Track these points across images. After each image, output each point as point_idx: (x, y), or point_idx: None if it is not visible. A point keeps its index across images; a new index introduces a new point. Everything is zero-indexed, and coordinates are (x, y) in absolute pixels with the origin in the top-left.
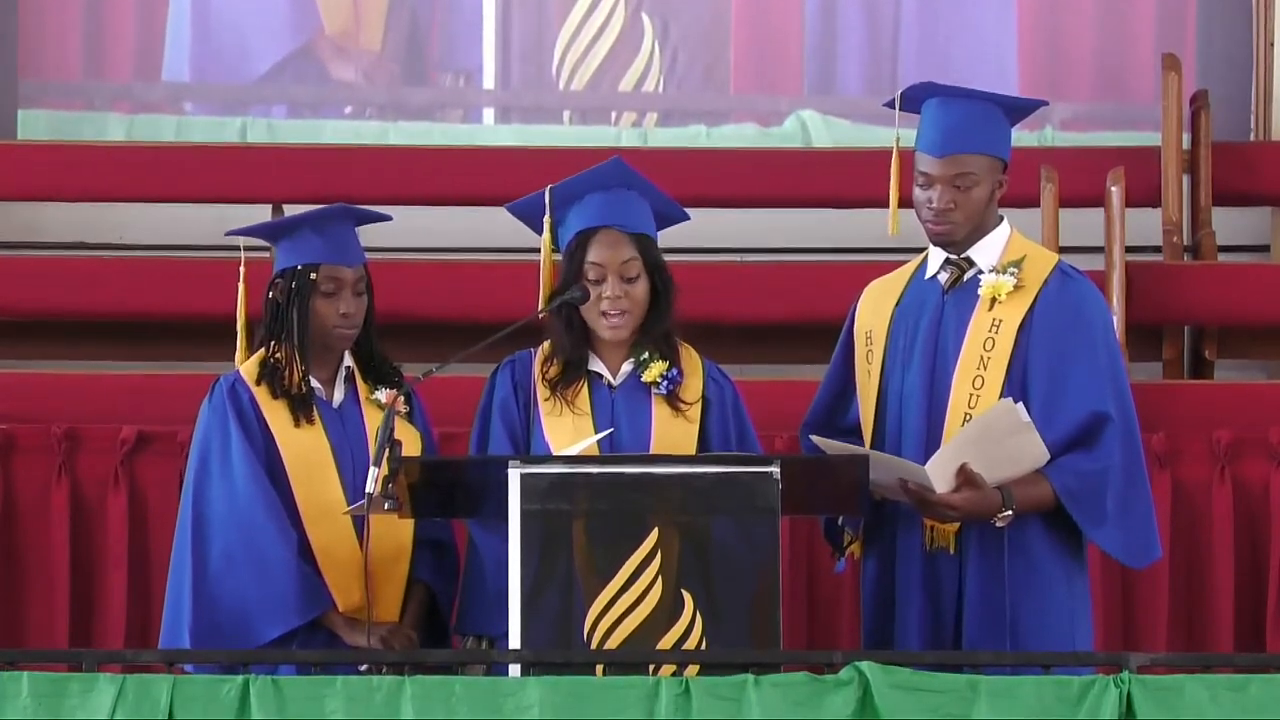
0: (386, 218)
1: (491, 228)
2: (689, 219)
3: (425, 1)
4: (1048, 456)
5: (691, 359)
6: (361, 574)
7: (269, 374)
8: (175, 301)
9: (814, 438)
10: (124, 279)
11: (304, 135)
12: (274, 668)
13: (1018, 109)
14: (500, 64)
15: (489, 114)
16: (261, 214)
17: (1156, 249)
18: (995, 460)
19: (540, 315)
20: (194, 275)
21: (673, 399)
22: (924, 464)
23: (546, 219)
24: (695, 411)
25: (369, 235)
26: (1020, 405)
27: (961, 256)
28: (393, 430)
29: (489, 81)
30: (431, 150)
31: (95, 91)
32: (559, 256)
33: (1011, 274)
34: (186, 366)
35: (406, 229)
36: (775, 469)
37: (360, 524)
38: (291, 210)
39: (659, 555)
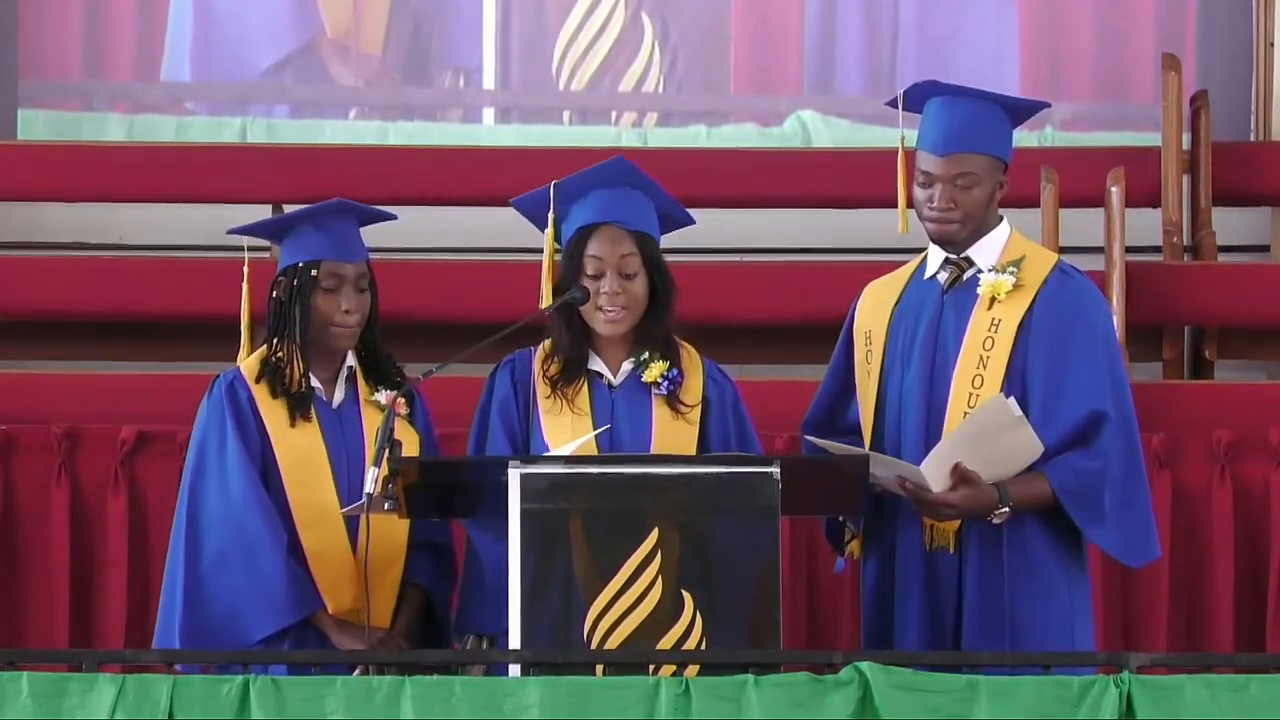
0: (391, 216)
1: (491, 228)
2: (694, 223)
3: (426, 2)
4: (1041, 450)
5: (692, 359)
6: (353, 576)
7: (269, 372)
8: (175, 301)
9: (813, 439)
10: (124, 279)
11: (304, 135)
12: (268, 668)
13: (1020, 110)
14: (500, 64)
15: (489, 114)
16: (261, 214)
17: (1156, 249)
18: (991, 457)
19: (542, 312)
20: (194, 275)
21: (673, 401)
22: (920, 464)
23: (550, 214)
24: (695, 414)
25: (368, 235)
26: (1012, 400)
27: (961, 256)
28: (393, 430)
29: (489, 81)
30: (431, 150)
31: (95, 91)
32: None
33: (1011, 273)
34: (186, 366)
35: (406, 229)
36: (775, 469)
37: (354, 526)
38: (291, 210)
39: (659, 555)
